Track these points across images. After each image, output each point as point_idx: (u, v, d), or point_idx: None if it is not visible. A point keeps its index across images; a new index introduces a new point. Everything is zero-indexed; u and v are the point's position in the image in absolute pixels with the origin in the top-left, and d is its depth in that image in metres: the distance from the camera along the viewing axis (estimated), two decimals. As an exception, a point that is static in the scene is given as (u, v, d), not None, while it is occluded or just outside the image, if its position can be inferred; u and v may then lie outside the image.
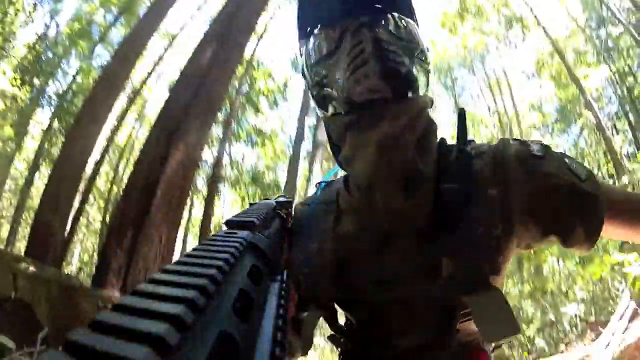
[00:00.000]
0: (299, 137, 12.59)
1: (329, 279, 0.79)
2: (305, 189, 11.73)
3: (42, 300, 3.53)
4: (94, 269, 5.89)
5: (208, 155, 12.39)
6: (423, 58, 0.77)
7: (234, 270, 0.31)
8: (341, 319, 0.86)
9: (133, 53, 8.16)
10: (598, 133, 11.22)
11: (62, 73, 13.71)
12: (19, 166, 15.22)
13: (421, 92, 0.75)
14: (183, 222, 9.16)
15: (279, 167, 16.83)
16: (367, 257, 0.78)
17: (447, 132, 16.31)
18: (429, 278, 0.73)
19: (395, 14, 0.77)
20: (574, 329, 5.51)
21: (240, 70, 11.32)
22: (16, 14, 11.57)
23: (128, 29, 11.67)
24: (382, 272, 0.77)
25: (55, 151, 9.25)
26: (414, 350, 0.77)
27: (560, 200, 0.70)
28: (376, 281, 0.77)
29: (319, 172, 11.06)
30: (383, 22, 0.75)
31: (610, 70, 11.83)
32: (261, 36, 13.45)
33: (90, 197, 11.27)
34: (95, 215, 16.94)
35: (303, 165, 13.19)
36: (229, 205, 16.70)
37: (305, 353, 0.82)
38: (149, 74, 13.45)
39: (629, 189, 7.23)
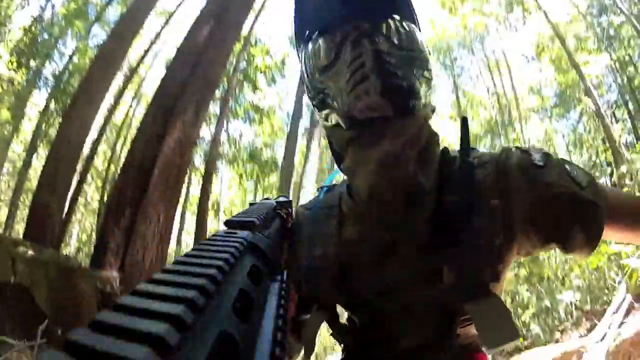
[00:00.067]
0: (297, 114, 12.49)
1: (332, 283, 0.80)
2: (303, 166, 11.68)
3: (41, 284, 3.52)
4: (92, 248, 5.91)
5: (206, 132, 12.38)
6: (425, 66, 0.76)
7: (234, 270, 0.31)
8: (343, 317, 0.87)
9: (129, 32, 8.07)
10: (597, 120, 11.20)
11: (58, 54, 13.60)
12: (17, 149, 15.15)
13: (423, 100, 0.74)
14: (181, 200, 9.16)
15: (276, 144, 16.85)
16: (369, 263, 0.79)
17: (445, 111, 16.30)
18: (429, 284, 0.73)
19: (397, 18, 0.75)
20: (569, 316, 5.57)
21: (237, 47, 11.21)
22: (12, -2, 11.43)
23: (124, 8, 11.50)
24: (384, 278, 0.77)
25: (53, 132, 9.21)
26: (415, 352, 0.78)
27: (562, 209, 0.71)
28: (377, 287, 0.78)
29: (316, 149, 11.02)
30: (384, 29, 0.74)
31: (611, 59, 11.76)
32: (259, 13, 13.27)
33: (88, 176, 11.25)
34: (93, 194, 16.95)
35: (301, 142, 13.15)
36: (227, 182, 16.72)
37: (308, 356, 0.83)
38: (146, 52, 13.31)
39: (627, 179, 7.25)
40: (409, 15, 0.78)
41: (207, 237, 0.37)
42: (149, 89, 12.72)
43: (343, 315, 0.87)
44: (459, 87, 17.69)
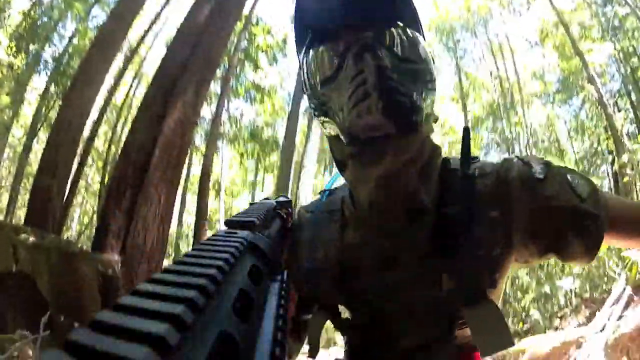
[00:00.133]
0: (298, 93, 12.39)
1: (332, 284, 0.81)
2: (304, 145, 11.65)
3: (43, 271, 3.52)
4: (94, 231, 5.92)
5: (207, 112, 12.32)
6: (429, 77, 0.75)
7: (234, 270, 0.31)
8: (345, 313, 0.88)
9: (129, 12, 7.97)
10: (599, 108, 11.15)
11: (58, 37, 13.48)
12: (17, 133, 15.11)
13: (426, 111, 0.74)
14: (182, 180, 9.17)
15: (277, 123, 16.80)
16: (370, 267, 0.80)
17: (447, 93, 16.20)
18: (429, 288, 0.75)
19: (400, 25, 0.74)
20: (568, 303, 5.61)
21: (239, 26, 11.09)
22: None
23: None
24: (384, 280, 0.79)
25: (53, 115, 9.17)
26: (414, 351, 0.80)
27: (561, 222, 0.71)
28: (377, 288, 0.79)
29: (318, 128, 10.98)
30: (387, 39, 0.73)
31: (615, 49, 11.65)
32: (260, -9, 13.14)
33: (89, 158, 11.25)
34: (94, 176, 16.97)
35: (302, 121, 13.07)
36: (228, 162, 16.71)
37: (314, 355, 0.86)
38: (146, 32, 13.19)
39: (629, 169, 7.23)
40: (413, 19, 0.76)
41: (207, 237, 0.36)
42: (150, 69, 12.63)
43: (345, 312, 0.88)
44: (461, 69, 17.54)
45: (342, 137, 0.73)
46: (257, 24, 13.67)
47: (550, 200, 0.71)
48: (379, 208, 0.74)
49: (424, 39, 0.78)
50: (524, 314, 5.88)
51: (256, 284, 0.33)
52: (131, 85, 14.93)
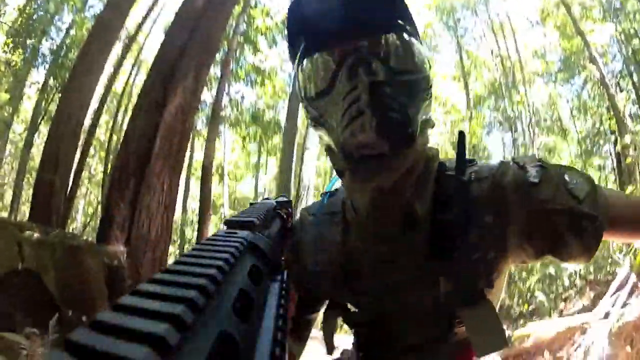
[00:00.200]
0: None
1: (334, 285, 0.84)
2: (306, 127, 11.61)
3: (49, 266, 3.53)
4: (98, 222, 5.95)
5: (207, 96, 12.27)
6: (425, 86, 0.74)
7: (234, 270, 0.31)
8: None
9: (126, 0, 7.88)
10: (601, 88, 11.06)
11: (55, 30, 13.35)
12: (18, 129, 15.10)
13: (423, 118, 0.73)
14: (185, 166, 9.16)
15: (279, 105, 16.73)
16: (370, 270, 0.82)
17: (448, 72, 16.06)
18: (427, 290, 0.76)
19: (395, 31, 0.73)
20: (573, 285, 5.62)
21: (237, 9, 10.98)
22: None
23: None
24: (384, 284, 0.81)
25: (54, 109, 9.14)
26: (415, 349, 0.83)
27: (558, 224, 0.71)
28: (378, 290, 0.81)
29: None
30: (383, 49, 0.72)
31: (616, 30, 11.52)
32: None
33: (91, 149, 11.25)
34: (97, 166, 17.00)
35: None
36: (230, 145, 16.69)
37: (331, 352, 0.89)
38: (144, 19, 13.07)
39: (631, 150, 7.18)
40: (407, 22, 0.76)
41: (207, 237, 0.36)
42: (149, 56, 12.55)
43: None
44: (462, 48, 17.38)
45: (336, 150, 0.74)
46: (255, 6, 13.50)
47: (545, 204, 0.71)
48: (375, 217, 0.77)
49: (420, 40, 0.77)
50: (528, 294, 5.91)
51: (256, 284, 0.33)
52: (130, 73, 14.86)
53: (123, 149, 5.51)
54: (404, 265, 0.78)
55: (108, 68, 8.51)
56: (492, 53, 16.62)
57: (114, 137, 13.39)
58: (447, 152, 13.56)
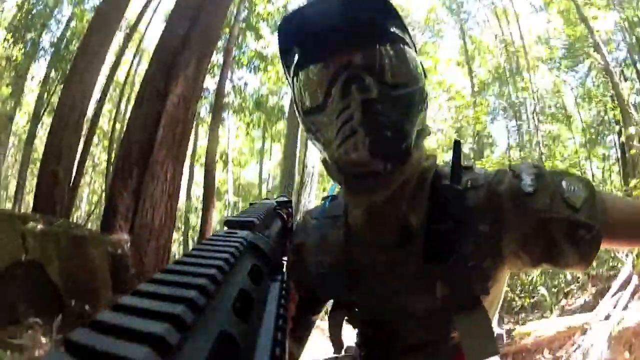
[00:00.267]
0: None
1: (340, 287, 0.85)
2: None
3: (53, 257, 3.53)
4: (102, 210, 5.96)
5: (210, 83, 12.21)
6: (420, 98, 0.74)
7: (234, 270, 0.31)
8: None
9: (126, -10, 7.81)
10: (606, 76, 10.94)
11: (55, 22, 13.29)
12: (21, 122, 15.13)
13: (418, 129, 0.74)
14: (188, 153, 9.13)
15: (282, 91, 16.63)
16: (370, 275, 0.83)
17: (452, 56, 15.91)
18: (424, 295, 0.77)
19: (389, 42, 0.73)
20: (575, 280, 5.61)
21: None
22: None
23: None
24: (383, 288, 0.82)
25: (56, 100, 9.13)
26: (415, 348, 0.84)
27: (554, 234, 0.70)
28: (378, 295, 0.83)
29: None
30: (377, 62, 0.72)
31: (620, 18, 11.37)
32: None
33: (95, 138, 11.25)
34: (100, 155, 17.04)
35: (307, 87, 12.93)
36: (234, 132, 16.67)
37: (338, 351, 0.91)
38: (145, 7, 12.97)
39: (636, 141, 7.12)
40: (403, 31, 0.76)
41: (208, 237, 0.37)
42: (150, 45, 12.49)
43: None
44: (465, 33, 17.20)
45: (332, 165, 0.74)
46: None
47: (540, 213, 0.70)
48: (372, 228, 0.79)
49: (414, 48, 0.78)
50: (531, 286, 5.92)
51: (256, 284, 0.33)
52: (132, 62, 14.81)
53: (126, 139, 5.49)
54: (402, 271, 0.79)
55: (110, 58, 8.47)
56: (495, 38, 16.45)
57: (117, 126, 13.40)
58: (450, 139, 13.50)
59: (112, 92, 13.63)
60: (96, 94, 8.09)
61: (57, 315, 3.31)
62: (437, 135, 13.97)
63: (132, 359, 0.18)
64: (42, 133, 11.65)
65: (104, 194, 12.75)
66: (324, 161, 0.79)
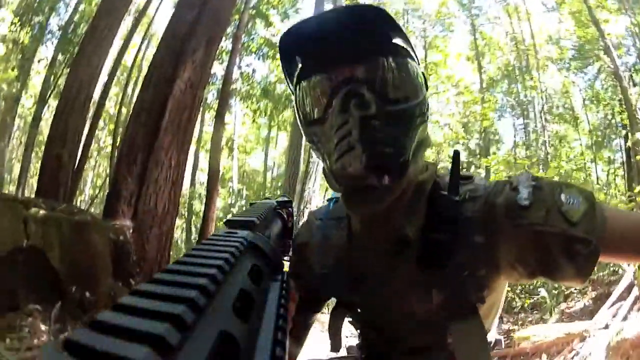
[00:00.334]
0: None
1: (343, 288, 0.87)
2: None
3: (54, 243, 3.51)
4: (106, 195, 5.97)
5: (218, 69, 12.17)
6: (419, 112, 0.75)
7: (235, 270, 0.31)
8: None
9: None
10: (614, 80, 10.86)
11: (63, 5, 13.24)
12: (27, 104, 15.14)
13: (417, 142, 0.75)
14: (194, 139, 9.11)
15: None
16: (370, 279, 0.84)
17: (462, 51, 15.80)
18: (421, 301, 0.79)
19: (391, 58, 0.73)
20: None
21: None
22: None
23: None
24: (382, 292, 0.83)
25: (63, 83, 9.14)
26: (414, 352, 0.86)
27: (550, 248, 0.69)
28: (378, 298, 0.85)
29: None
30: (377, 76, 0.72)
31: (631, 23, 11.26)
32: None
33: (100, 121, 11.27)
34: (106, 139, 17.07)
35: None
36: (240, 119, 16.67)
37: (337, 350, 0.93)
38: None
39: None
40: (404, 42, 0.76)
41: (208, 237, 0.37)
42: (159, 29, 12.45)
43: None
44: (476, 28, 17.07)
45: (331, 176, 0.76)
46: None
47: (535, 227, 0.70)
48: (369, 236, 0.81)
49: (416, 60, 0.78)
50: (531, 286, 5.92)
51: (256, 283, 0.33)
52: (140, 46, 14.79)
53: (131, 124, 5.46)
54: (399, 277, 0.80)
55: (117, 41, 8.44)
56: (506, 35, 16.34)
57: (123, 110, 13.40)
58: (457, 134, 13.46)
59: (119, 76, 13.63)
60: (103, 77, 8.07)
61: (57, 302, 3.31)
62: (444, 129, 13.91)
63: (132, 359, 0.18)
64: (48, 116, 11.66)
65: (108, 178, 12.77)
66: (324, 170, 0.80)
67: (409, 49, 0.77)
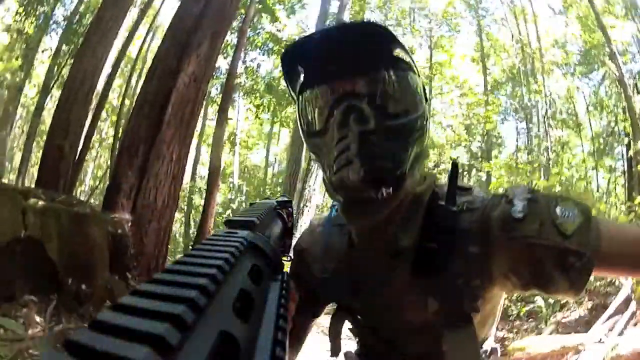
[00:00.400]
0: None
1: (343, 293, 0.89)
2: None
3: (53, 234, 3.49)
4: (106, 186, 5.96)
5: (223, 63, 12.16)
6: (418, 125, 0.77)
7: (235, 270, 0.31)
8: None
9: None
10: (619, 87, 10.86)
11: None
12: (30, 93, 15.14)
13: (415, 154, 0.77)
14: (196, 133, 9.09)
15: None
16: (369, 286, 0.86)
17: (468, 52, 15.79)
18: (417, 309, 0.80)
19: (392, 71, 0.75)
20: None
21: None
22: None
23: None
24: (380, 298, 0.85)
25: (67, 73, 9.14)
26: (412, 359, 0.87)
27: (544, 260, 0.70)
28: (376, 305, 0.86)
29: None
30: (378, 90, 0.74)
31: (638, 30, 11.24)
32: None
33: (103, 112, 11.27)
34: (108, 130, 17.07)
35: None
36: (243, 113, 16.65)
37: (336, 354, 0.94)
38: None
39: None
40: (404, 54, 0.78)
41: (208, 237, 0.37)
42: (165, 21, 12.43)
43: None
44: (482, 29, 17.05)
45: (330, 186, 0.78)
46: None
47: (528, 239, 0.70)
48: (364, 245, 0.83)
49: (416, 72, 0.80)
50: (527, 294, 5.93)
51: (256, 283, 0.33)
52: (145, 38, 14.77)
53: (134, 116, 5.45)
54: (396, 284, 0.82)
55: (122, 32, 8.42)
56: (512, 37, 16.31)
57: (126, 102, 13.40)
58: (459, 136, 13.46)
59: (123, 67, 13.61)
60: (107, 69, 8.05)
61: (54, 294, 3.31)
62: (447, 131, 13.92)
63: (132, 359, 0.18)
64: (51, 106, 11.65)
65: (108, 170, 12.79)
66: (324, 180, 0.82)
67: (410, 62, 0.79)
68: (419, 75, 0.80)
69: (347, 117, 0.72)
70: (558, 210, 0.71)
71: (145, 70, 10.37)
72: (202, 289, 0.24)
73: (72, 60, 7.97)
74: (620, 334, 3.76)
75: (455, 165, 0.83)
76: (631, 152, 9.10)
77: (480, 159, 14.60)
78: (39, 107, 11.61)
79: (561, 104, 15.28)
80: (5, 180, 11.58)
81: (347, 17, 11.27)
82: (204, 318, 0.23)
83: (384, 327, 0.88)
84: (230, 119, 13.36)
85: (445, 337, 0.76)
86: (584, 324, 4.65)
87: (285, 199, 0.82)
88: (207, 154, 14.14)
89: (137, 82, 14.11)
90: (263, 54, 13.77)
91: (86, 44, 6.73)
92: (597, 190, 12.31)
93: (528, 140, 15.67)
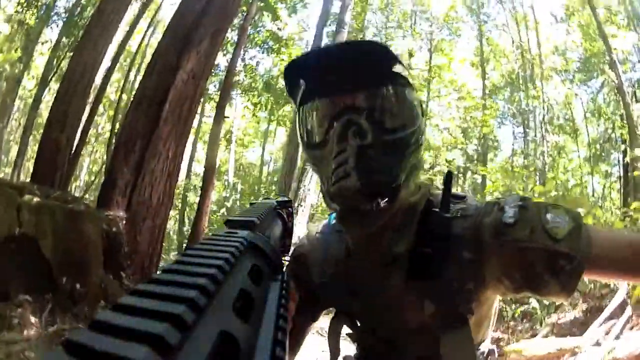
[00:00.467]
0: (317, 44, 12.08)
1: (341, 297, 0.91)
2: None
3: (47, 232, 3.45)
4: (101, 182, 5.92)
5: (222, 60, 12.14)
6: (415, 139, 0.79)
7: (235, 269, 0.31)
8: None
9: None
10: (617, 95, 10.93)
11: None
12: (28, 85, 15.06)
13: (411, 166, 0.80)
14: (192, 129, 9.06)
15: None
16: (366, 290, 0.88)
17: (467, 56, 15.79)
18: (413, 312, 0.82)
19: (390, 86, 0.78)
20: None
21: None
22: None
23: None
24: (377, 302, 0.87)
25: (65, 65, 9.09)
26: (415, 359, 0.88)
27: (535, 263, 0.72)
28: (374, 308, 0.88)
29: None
30: (376, 105, 0.77)
31: (639, 40, 11.31)
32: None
33: (100, 107, 11.21)
34: (105, 125, 16.98)
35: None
36: (240, 111, 16.64)
37: (335, 358, 0.95)
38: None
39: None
40: (403, 69, 0.80)
41: (208, 236, 0.37)
42: (166, 16, 12.40)
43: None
44: (483, 34, 17.09)
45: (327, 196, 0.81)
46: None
47: (519, 244, 0.73)
48: (360, 252, 0.85)
49: (413, 88, 0.83)
50: (520, 295, 5.94)
51: (257, 283, 0.33)
52: (146, 33, 14.72)
53: (132, 111, 5.39)
54: (392, 288, 0.84)
55: (123, 27, 8.38)
56: (512, 43, 16.36)
57: (124, 97, 13.34)
58: (456, 139, 13.47)
59: (122, 61, 13.56)
60: (106, 62, 8.01)
61: (48, 293, 3.27)
62: (443, 133, 13.93)
63: (132, 359, 0.18)
64: (49, 98, 11.59)
65: (104, 165, 12.72)
66: (321, 190, 0.85)
67: (408, 77, 0.82)
68: (415, 90, 0.83)
69: (345, 131, 0.75)
70: (549, 216, 0.74)
71: (144, 65, 10.32)
72: (202, 289, 0.24)
73: (72, 53, 7.91)
74: (617, 337, 3.78)
75: (449, 173, 0.85)
76: (627, 159, 9.16)
77: (475, 162, 14.64)
78: (37, 100, 11.54)
79: (559, 110, 15.35)
80: (0, 175, 11.52)
81: (348, 18, 11.26)
82: (204, 318, 0.23)
83: (383, 327, 0.90)
84: (227, 117, 13.31)
85: (442, 338, 0.78)
86: (579, 326, 4.67)
87: (285, 198, 0.83)
88: (203, 151, 14.10)
89: (135, 77, 14.06)
90: (263, 52, 13.75)
91: (87, 36, 6.68)
92: (593, 195, 12.37)
93: (524, 145, 15.74)
